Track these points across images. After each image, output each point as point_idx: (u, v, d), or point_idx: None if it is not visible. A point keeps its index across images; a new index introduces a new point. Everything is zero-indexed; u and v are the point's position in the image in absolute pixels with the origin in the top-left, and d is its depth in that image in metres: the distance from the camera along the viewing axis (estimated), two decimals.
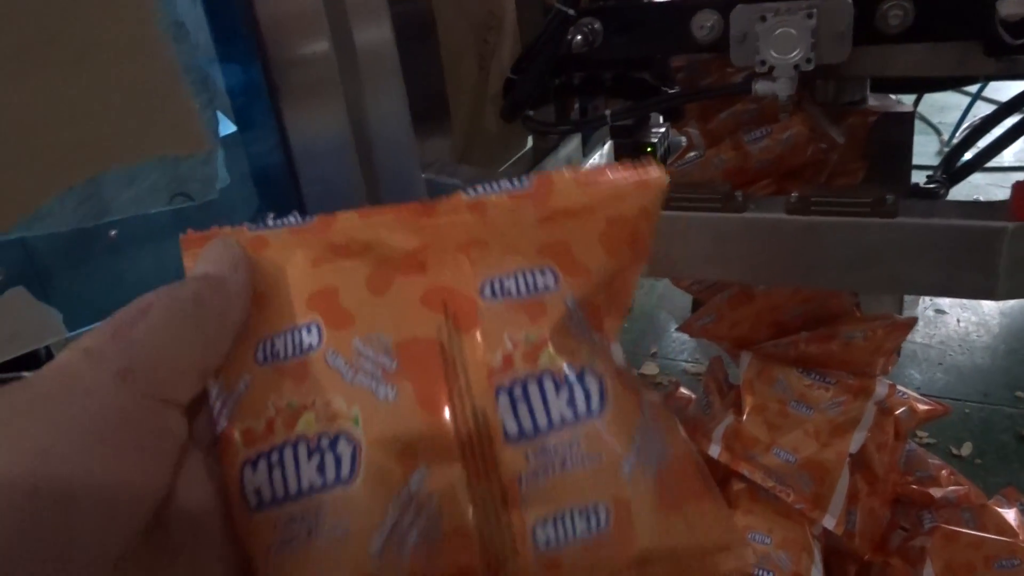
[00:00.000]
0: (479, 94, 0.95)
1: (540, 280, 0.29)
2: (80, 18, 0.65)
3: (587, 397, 0.27)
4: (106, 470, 0.23)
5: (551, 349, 0.28)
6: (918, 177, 1.01)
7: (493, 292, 0.29)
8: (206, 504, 0.27)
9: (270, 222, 0.31)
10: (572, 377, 0.28)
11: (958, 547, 0.97)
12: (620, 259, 0.31)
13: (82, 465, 0.23)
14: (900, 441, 1.07)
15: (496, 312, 0.28)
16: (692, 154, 1.00)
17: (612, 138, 1.18)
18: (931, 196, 0.92)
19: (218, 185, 0.82)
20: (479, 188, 0.31)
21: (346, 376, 0.28)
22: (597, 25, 0.78)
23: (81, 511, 0.22)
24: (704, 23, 0.70)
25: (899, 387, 1.08)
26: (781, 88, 0.67)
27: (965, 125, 3.18)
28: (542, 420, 0.27)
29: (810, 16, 0.64)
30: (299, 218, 0.31)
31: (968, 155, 0.94)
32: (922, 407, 1.09)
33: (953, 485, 1.10)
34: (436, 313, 0.29)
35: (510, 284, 0.29)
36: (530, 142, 1.09)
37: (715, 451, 1.01)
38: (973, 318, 2.11)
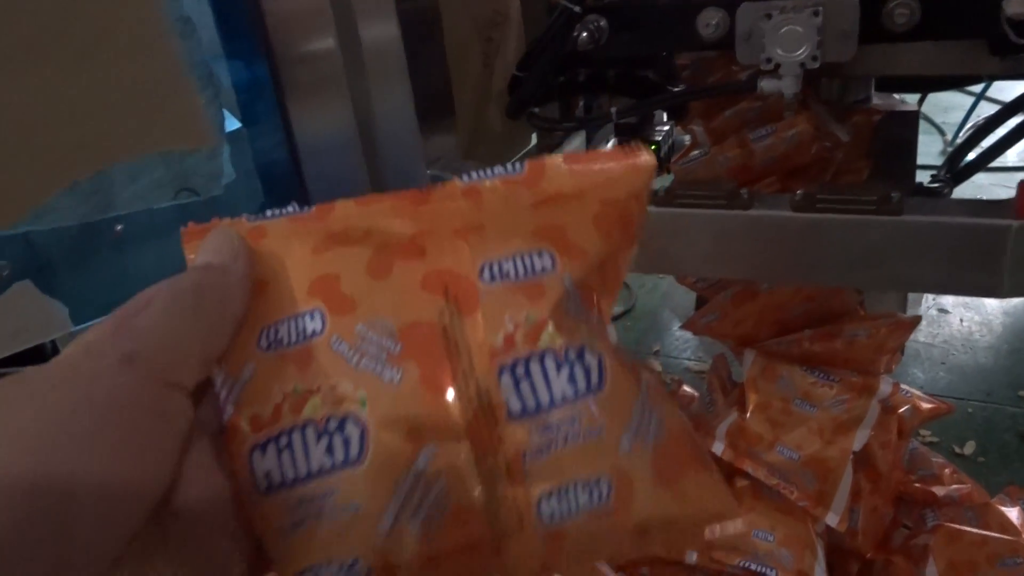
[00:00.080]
0: (484, 91, 0.95)
1: (538, 262, 0.30)
2: (86, 13, 0.65)
3: (587, 374, 0.28)
4: (110, 460, 0.23)
5: (551, 329, 0.29)
6: (922, 177, 1.01)
7: (492, 275, 0.30)
8: (215, 490, 0.27)
9: (268, 213, 0.32)
10: (572, 355, 0.28)
11: (961, 545, 0.97)
12: (613, 241, 0.31)
13: (83, 459, 0.23)
14: (903, 439, 1.08)
15: (496, 294, 0.29)
16: (696, 152, 1.00)
17: (616, 136, 1.18)
18: (935, 195, 0.92)
19: (223, 180, 0.82)
20: (473, 175, 0.32)
21: (351, 360, 0.28)
22: (603, 22, 0.78)
23: (81, 508, 0.22)
24: (710, 21, 0.71)
25: (902, 385, 1.08)
26: (787, 86, 0.67)
27: (969, 125, 3.17)
28: (544, 398, 0.28)
29: (816, 14, 0.64)
30: (297, 208, 0.32)
31: (972, 155, 0.94)
32: (925, 405, 1.09)
33: (956, 484, 1.10)
34: (437, 297, 0.29)
35: (508, 267, 0.30)
36: (534, 139, 1.09)
37: (719, 448, 1.01)
38: (976, 317, 2.11)
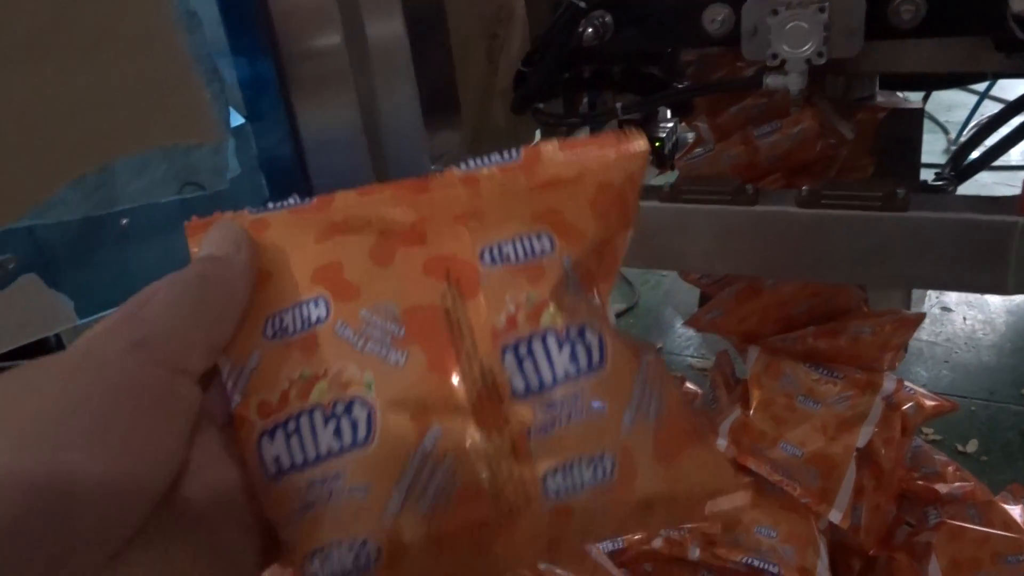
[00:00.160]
0: (488, 88, 0.95)
1: (537, 245, 0.30)
2: (93, 7, 0.65)
3: (588, 353, 0.29)
4: (119, 445, 0.24)
5: (552, 309, 0.29)
6: (925, 175, 1.01)
7: (492, 258, 0.30)
8: (225, 479, 0.28)
9: (270, 205, 0.32)
10: (573, 334, 0.29)
11: (964, 543, 0.97)
12: (610, 224, 0.32)
13: (89, 450, 0.23)
14: (907, 437, 1.08)
15: (497, 277, 0.30)
16: (701, 149, 1.00)
17: None
18: (939, 193, 0.92)
19: (228, 175, 0.82)
20: (471, 163, 0.32)
21: (356, 345, 0.28)
22: (608, 18, 0.78)
23: (82, 503, 0.22)
24: (715, 16, 0.70)
25: (906, 383, 1.09)
26: (793, 82, 0.67)
27: (972, 124, 3.17)
28: (547, 376, 0.28)
29: (822, 10, 0.64)
30: (299, 199, 0.32)
31: (975, 153, 0.94)
32: (929, 403, 1.09)
33: (959, 481, 1.10)
34: (439, 281, 0.30)
35: (508, 250, 0.30)
36: (539, 135, 1.09)
37: (722, 445, 1.01)
38: (979, 316, 2.11)
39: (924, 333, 2.05)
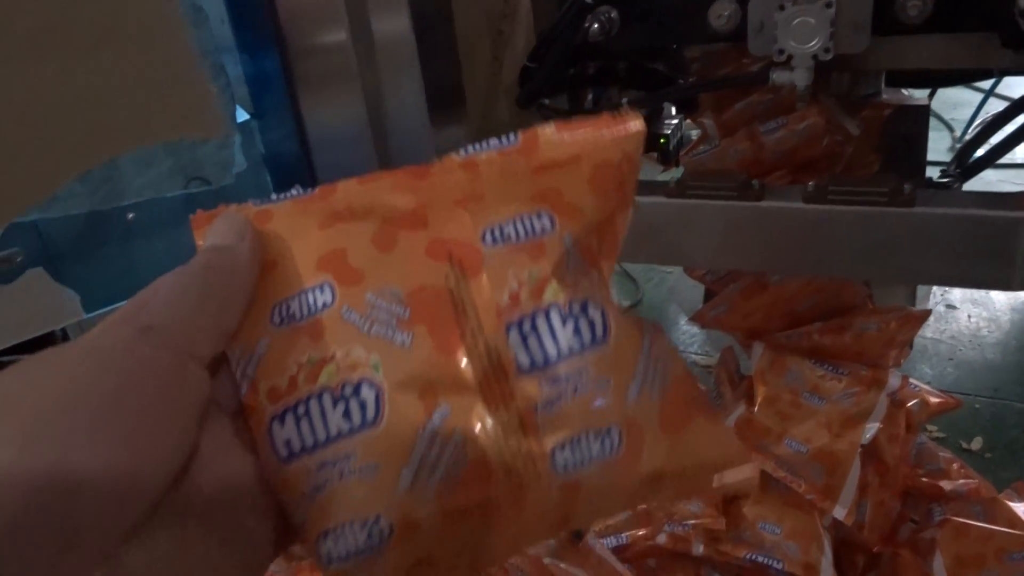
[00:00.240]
0: (494, 83, 0.95)
1: (537, 224, 0.31)
2: (99, 2, 0.66)
3: (591, 327, 0.29)
4: (128, 429, 0.24)
5: (554, 285, 0.30)
6: (931, 173, 1.01)
7: (494, 238, 0.31)
8: (237, 466, 0.28)
9: (274, 197, 0.33)
10: (576, 309, 0.29)
11: (968, 540, 0.97)
12: (609, 202, 0.32)
13: (94, 438, 0.23)
14: (911, 433, 1.08)
15: (499, 256, 0.30)
16: (706, 145, 1.00)
17: None
18: (945, 190, 0.92)
19: (234, 170, 0.82)
20: (470, 148, 0.33)
21: (362, 328, 0.29)
22: (614, 14, 0.78)
23: (85, 496, 0.22)
24: (722, 12, 0.71)
25: (911, 379, 1.08)
26: (799, 78, 0.67)
27: (978, 122, 3.16)
28: (551, 351, 0.29)
29: (829, 5, 0.64)
30: (301, 190, 0.33)
31: (980, 151, 0.94)
32: (934, 400, 1.09)
33: (963, 479, 1.10)
34: (442, 263, 0.30)
35: (509, 229, 0.31)
36: None
37: None
38: (984, 314, 2.11)
39: (929, 331, 2.05)
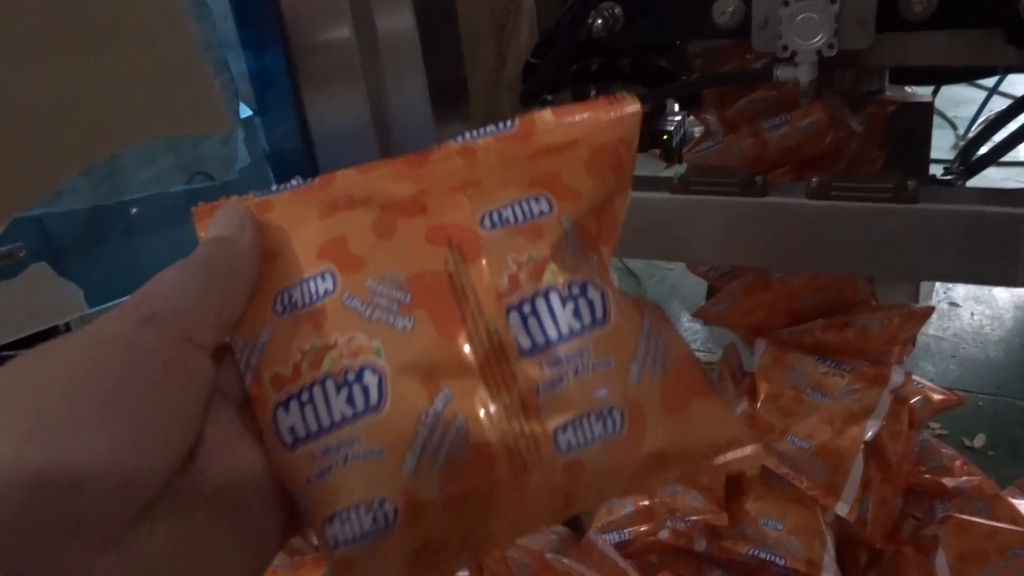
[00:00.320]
0: (497, 79, 0.95)
1: (535, 207, 0.31)
2: None
3: (591, 308, 0.29)
4: (130, 419, 0.24)
5: (553, 267, 0.30)
6: (934, 170, 1.01)
7: (492, 222, 0.31)
8: (242, 453, 0.28)
9: (274, 188, 0.33)
10: (576, 290, 0.30)
11: (971, 536, 0.97)
12: (606, 185, 0.33)
13: (98, 425, 0.23)
14: (914, 430, 1.08)
15: (497, 240, 0.30)
16: (709, 141, 1.00)
17: None
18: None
19: (238, 165, 0.82)
20: (467, 135, 0.33)
21: (364, 314, 0.29)
22: (618, 10, 0.78)
23: (87, 488, 0.23)
24: (726, 8, 0.70)
25: (914, 376, 1.08)
26: (803, 73, 0.67)
27: (981, 119, 3.16)
28: (552, 332, 0.29)
29: (833, 1, 0.64)
30: (301, 180, 0.33)
31: (984, 149, 0.94)
32: (937, 396, 1.09)
33: (966, 475, 1.10)
34: (441, 248, 0.30)
35: (507, 213, 0.31)
36: None
37: None
38: (987, 312, 2.10)
39: (932, 328, 2.05)
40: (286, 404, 0.29)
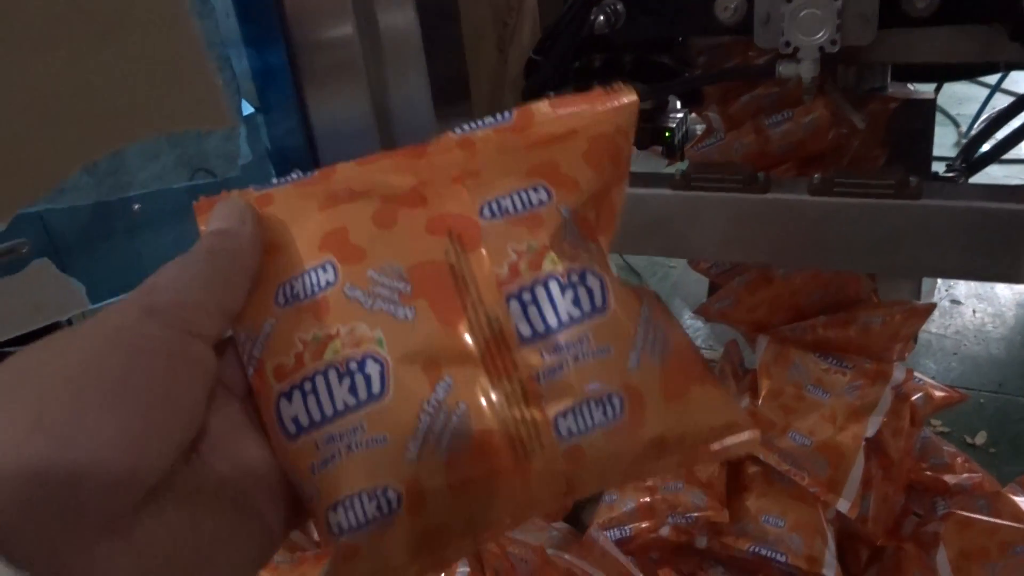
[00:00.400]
0: (499, 76, 0.95)
1: (534, 196, 0.31)
2: None
3: (591, 295, 0.30)
4: (133, 408, 0.24)
5: (553, 255, 0.30)
6: (936, 168, 1.01)
7: (492, 212, 0.31)
8: (246, 444, 0.29)
9: (274, 181, 0.33)
10: (575, 278, 0.30)
11: (972, 533, 0.97)
12: (604, 174, 0.33)
13: (102, 415, 0.24)
14: (916, 427, 1.08)
15: (497, 229, 0.31)
16: (712, 138, 1.00)
17: None
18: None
19: (240, 161, 0.83)
20: (465, 127, 0.33)
21: (365, 304, 0.29)
22: (620, 6, 0.78)
23: (90, 477, 0.23)
24: (728, 4, 0.70)
25: (916, 373, 1.08)
26: (805, 70, 0.67)
27: (983, 117, 3.15)
28: (552, 320, 0.29)
29: None
30: (301, 174, 0.33)
31: (986, 146, 0.94)
32: (938, 393, 1.09)
33: (967, 473, 1.10)
34: (441, 238, 0.30)
35: (507, 203, 0.31)
36: None
37: None
38: (989, 309, 2.10)
39: (933, 326, 2.04)
40: (289, 394, 0.29)
